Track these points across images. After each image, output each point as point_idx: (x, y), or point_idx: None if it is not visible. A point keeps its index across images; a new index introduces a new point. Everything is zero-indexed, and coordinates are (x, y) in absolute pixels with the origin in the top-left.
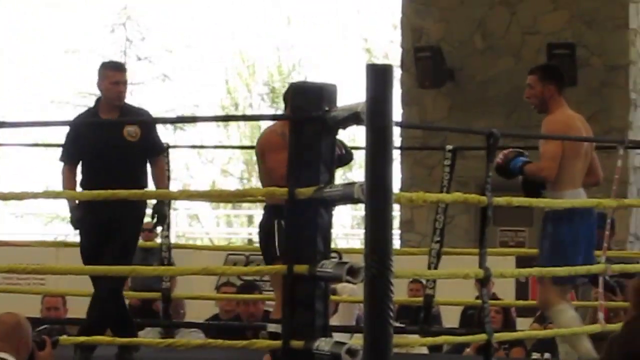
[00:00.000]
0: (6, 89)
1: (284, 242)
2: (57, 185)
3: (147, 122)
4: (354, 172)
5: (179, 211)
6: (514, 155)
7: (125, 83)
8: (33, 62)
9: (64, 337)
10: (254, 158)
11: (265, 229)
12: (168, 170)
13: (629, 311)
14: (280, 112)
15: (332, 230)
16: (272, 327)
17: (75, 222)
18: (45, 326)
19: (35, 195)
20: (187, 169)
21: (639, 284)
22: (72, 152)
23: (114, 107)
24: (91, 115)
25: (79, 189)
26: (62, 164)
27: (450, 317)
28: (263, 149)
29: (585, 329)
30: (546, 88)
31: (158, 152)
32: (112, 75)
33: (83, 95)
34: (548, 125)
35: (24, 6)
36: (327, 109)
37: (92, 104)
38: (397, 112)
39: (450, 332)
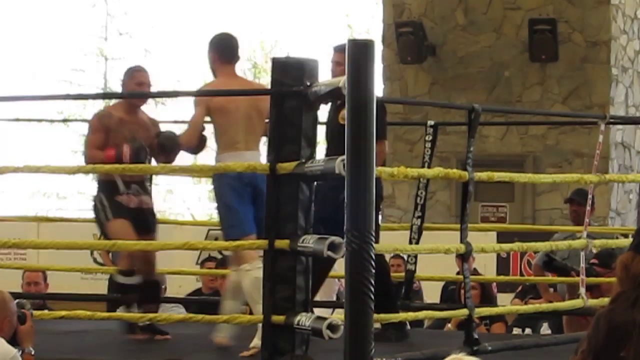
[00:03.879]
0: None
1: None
2: (40, 159)
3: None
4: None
5: (160, 186)
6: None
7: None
8: (13, 36)
9: (46, 311)
10: None
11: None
12: None
13: (614, 287)
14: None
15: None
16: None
17: None
18: (18, 300)
19: (16, 170)
20: None
21: (626, 260)
22: None
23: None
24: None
25: None
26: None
27: (431, 293)
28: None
29: (568, 304)
30: (210, 57)
31: None
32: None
33: (64, 70)
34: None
35: None
36: (308, 83)
37: (72, 79)
38: (378, 88)
39: (431, 307)
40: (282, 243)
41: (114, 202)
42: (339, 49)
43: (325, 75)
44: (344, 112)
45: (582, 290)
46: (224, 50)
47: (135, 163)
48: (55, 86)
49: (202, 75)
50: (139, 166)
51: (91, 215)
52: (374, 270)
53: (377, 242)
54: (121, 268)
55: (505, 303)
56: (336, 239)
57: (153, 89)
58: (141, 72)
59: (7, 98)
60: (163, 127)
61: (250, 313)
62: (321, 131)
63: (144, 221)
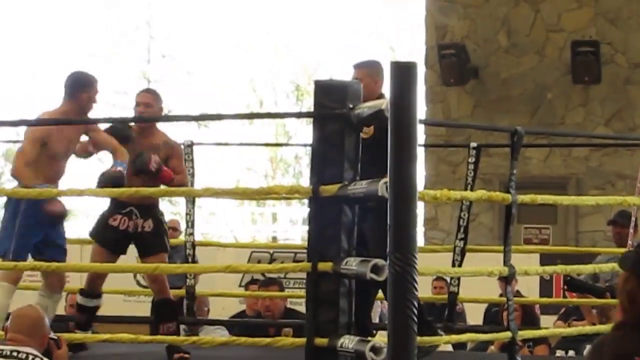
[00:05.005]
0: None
1: None
2: (83, 182)
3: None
4: None
5: (202, 209)
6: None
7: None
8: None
9: (89, 334)
10: (279, 155)
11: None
12: (192, 167)
13: (617, 312)
14: (305, 109)
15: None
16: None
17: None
18: None
19: (59, 193)
20: (211, 166)
21: (629, 285)
22: None
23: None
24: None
25: None
26: None
27: (474, 315)
28: None
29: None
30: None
31: None
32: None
33: (107, 93)
34: None
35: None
36: (351, 106)
37: (115, 101)
38: (421, 110)
39: (474, 329)
40: (325, 265)
41: (102, 223)
42: (358, 66)
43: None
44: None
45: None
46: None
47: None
48: (99, 109)
49: (244, 97)
50: (180, 189)
51: None
52: (417, 293)
53: None
54: (83, 288)
55: (548, 325)
56: (379, 261)
57: (195, 111)
58: (139, 93)
59: (51, 122)
60: (204, 149)
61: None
62: None
63: (142, 244)
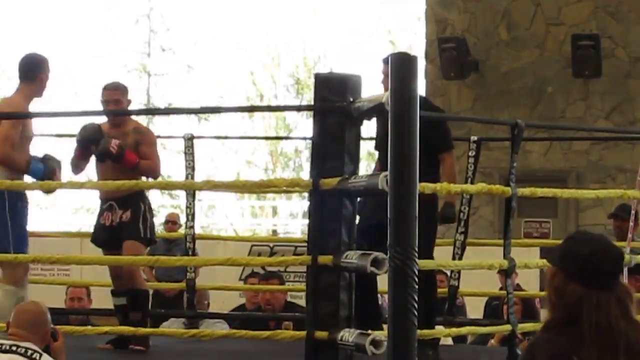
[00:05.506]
0: None
1: None
2: (82, 175)
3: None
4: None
5: (203, 202)
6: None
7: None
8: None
9: (89, 327)
10: (279, 149)
11: None
12: (192, 161)
13: (547, 310)
14: (305, 103)
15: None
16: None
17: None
18: None
19: (60, 185)
20: (211, 159)
21: (556, 280)
22: None
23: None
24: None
25: None
26: None
27: (475, 308)
28: None
29: None
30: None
31: None
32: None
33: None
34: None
35: None
36: (351, 99)
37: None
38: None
39: (475, 323)
40: (325, 259)
41: (95, 225)
42: (387, 61)
43: (370, 90)
44: None
45: None
46: None
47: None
48: (98, 102)
49: (244, 90)
50: (181, 182)
51: None
52: (417, 286)
53: (432, 258)
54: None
55: None
56: (379, 254)
57: (195, 105)
58: (105, 89)
59: (50, 114)
60: (205, 143)
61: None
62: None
63: (116, 236)
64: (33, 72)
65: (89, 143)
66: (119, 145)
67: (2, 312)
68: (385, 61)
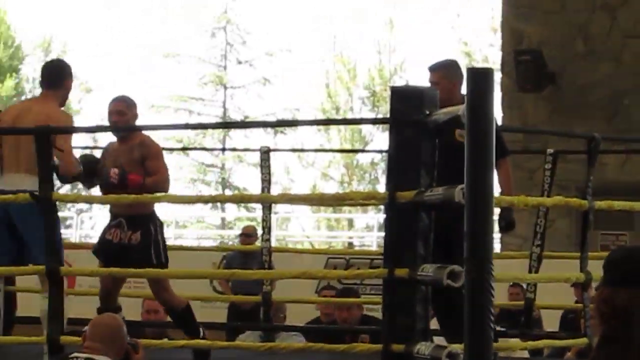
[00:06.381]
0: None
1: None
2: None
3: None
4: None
5: (279, 215)
6: None
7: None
8: (133, 66)
9: (166, 340)
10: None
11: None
12: (269, 174)
13: (596, 326)
14: (381, 115)
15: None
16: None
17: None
18: None
19: (136, 199)
20: (287, 172)
21: (604, 293)
22: None
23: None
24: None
25: None
26: None
27: (551, 321)
28: None
29: None
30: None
31: None
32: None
33: (184, 99)
34: None
35: (124, 10)
36: (427, 112)
37: (191, 108)
38: (497, 116)
39: (551, 336)
40: (401, 271)
41: (100, 238)
42: (434, 69)
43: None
44: (461, 131)
45: None
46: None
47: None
48: (175, 115)
49: (320, 103)
50: (257, 195)
51: (210, 243)
52: (493, 299)
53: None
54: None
55: None
56: (456, 267)
57: (271, 118)
58: (112, 102)
59: (126, 128)
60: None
61: None
62: None
63: (128, 258)
64: (60, 78)
65: (89, 176)
66: (118, 174)
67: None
68: (432, 69)
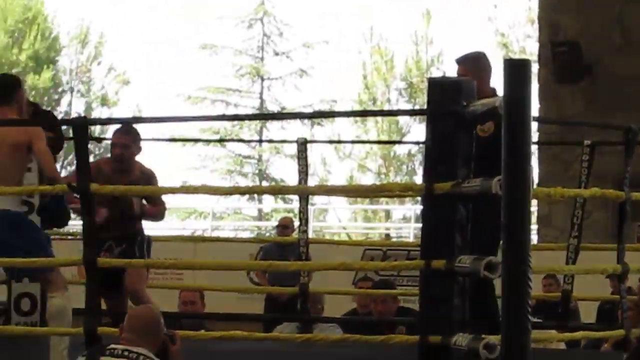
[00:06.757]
0: (142, 85)
1: None
2: (195, 180)
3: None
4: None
5: (316, 206)
6: None
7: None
8: (169, 58)
9: (203, 331)
10: (392, 153)
11: None
12: (306, 165)
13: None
14: (418, 106)
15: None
16: None
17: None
18: None
19: (173, 190)
20: (324, 164)
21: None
22: None
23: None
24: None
25: None
26: None
27: (588, 313)
28: None
29: None
30: None
31: None
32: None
33: (221, 90)
34: None
35: (160, 1)
36: (464, 103)
37: (228, 99)
38: (534, 107)
39: (588, 327)
40: (438, 263)
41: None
42: (460, 61)
43: None
44: (487, 125)
45: None
46: None
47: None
48: (211, 107)
49: (357, 94)
50: (294, 187)
51: (247, 235)
52: (531, 290)
53: None
54: None
55: None
56: (493, 258)
57: (308, 110)
58: (116, 133)
59: (164, 119)
60: (318, 147)
61: None
62: None
63: (113, 279)
64: (10, 92)
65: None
66: (102, 217)
67: (69, 318)
68: (458, 62)
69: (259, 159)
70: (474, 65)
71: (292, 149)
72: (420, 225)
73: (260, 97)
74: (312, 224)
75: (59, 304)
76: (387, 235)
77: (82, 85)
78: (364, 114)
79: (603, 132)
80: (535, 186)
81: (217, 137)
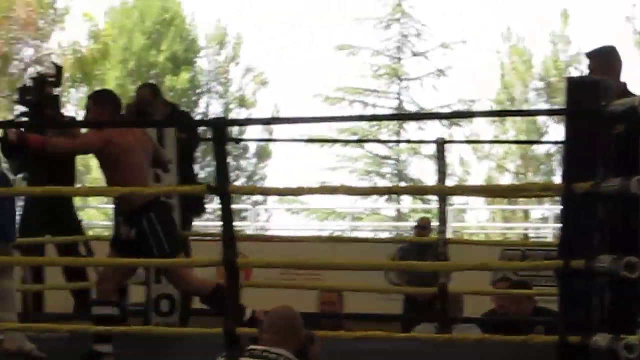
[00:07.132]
0: (278, 85)
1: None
2: (333, 180)
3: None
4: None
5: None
6: None
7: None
8: (306, 59)
9: (342, 332)
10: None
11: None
12: (444, 166)
13: None
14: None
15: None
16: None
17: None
18: None
19: (312, 191)
20: (462, 164)
21: None
22: None
23: None
24: None
25: None
26: None
27: None
28: None
29: None
30: None
31: None
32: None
33: (359, 91)
34: None
35: (297, 3)
36: (604, 103)
37: (366, 100)
38: None
39: None
40: (577, 263)
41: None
42: (591, 55)
43: None
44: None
45: None
46: None
47: None
48: (349, 108)
49: (495, 94)
50: (433, 187)
51: (386, 236)
52: None
53: None
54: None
55: None
56: (633, 258)
57: (447, 110)
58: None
59: (302, 120)
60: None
61: None
62: None
63: (131, 254)
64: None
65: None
66: (14, 133)
67: None
68: (589, 55)
69: (397, 160)
70: (606, 59)
71: (431, 149)
72: (559, 225)
73: (398, 98)
74: (451, 225)
75: None
76: (526, 236)
77: (220, 87)
78: (502, 114)
79: None
80: None
81: (355, 138)
